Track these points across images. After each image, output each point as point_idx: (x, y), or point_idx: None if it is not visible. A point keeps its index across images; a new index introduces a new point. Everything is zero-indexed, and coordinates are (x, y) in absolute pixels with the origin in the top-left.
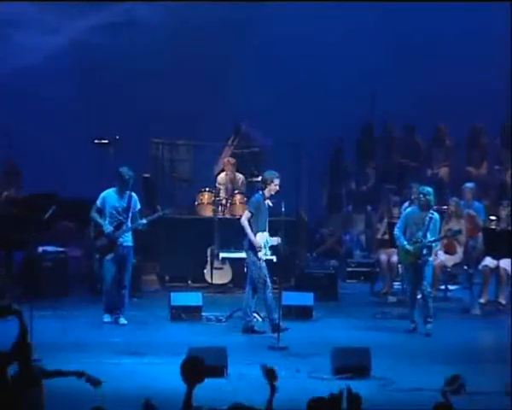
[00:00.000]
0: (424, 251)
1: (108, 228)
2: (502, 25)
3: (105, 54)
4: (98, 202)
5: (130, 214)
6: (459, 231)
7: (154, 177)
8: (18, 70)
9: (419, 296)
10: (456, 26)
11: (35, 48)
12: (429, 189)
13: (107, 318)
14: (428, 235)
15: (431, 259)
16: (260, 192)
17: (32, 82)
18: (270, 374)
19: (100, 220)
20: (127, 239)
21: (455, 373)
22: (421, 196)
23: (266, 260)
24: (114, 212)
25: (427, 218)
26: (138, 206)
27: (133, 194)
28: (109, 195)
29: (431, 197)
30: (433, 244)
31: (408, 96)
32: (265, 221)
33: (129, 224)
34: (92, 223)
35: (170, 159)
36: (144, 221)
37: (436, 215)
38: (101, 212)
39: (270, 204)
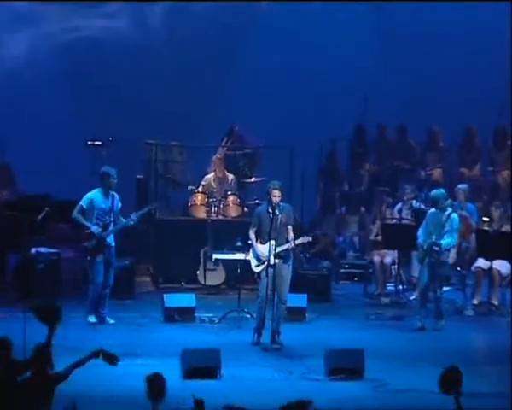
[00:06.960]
0: (435, 249)
1: (97, 229)
2: (498, 25)
3: (98, 55)
4: (84, 204)
5: (113, 214)
6: None
7: (147, 178)
8: (10, 72)
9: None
10: (451, 27)
11: (26, 49)
12: (437, 192)
13: (92, 318)
14: (444, 235)
15: (447, 260)
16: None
17: (24, 84)
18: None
19: (85, 222)
20: (113, 239)
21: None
22: (431, 200)
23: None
24: (101, 213)
25: (444, 218)
26: (119, 205)
27: (114, 193)
28: (96, 196)
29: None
30: (445, 243)
31: (401, 98)
32: (268, 232)
33: (112, 224)
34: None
35: (163, 160)
36: (134, 217)
37: (454, 215)
38: (84, 213)
39: (277, 213)
